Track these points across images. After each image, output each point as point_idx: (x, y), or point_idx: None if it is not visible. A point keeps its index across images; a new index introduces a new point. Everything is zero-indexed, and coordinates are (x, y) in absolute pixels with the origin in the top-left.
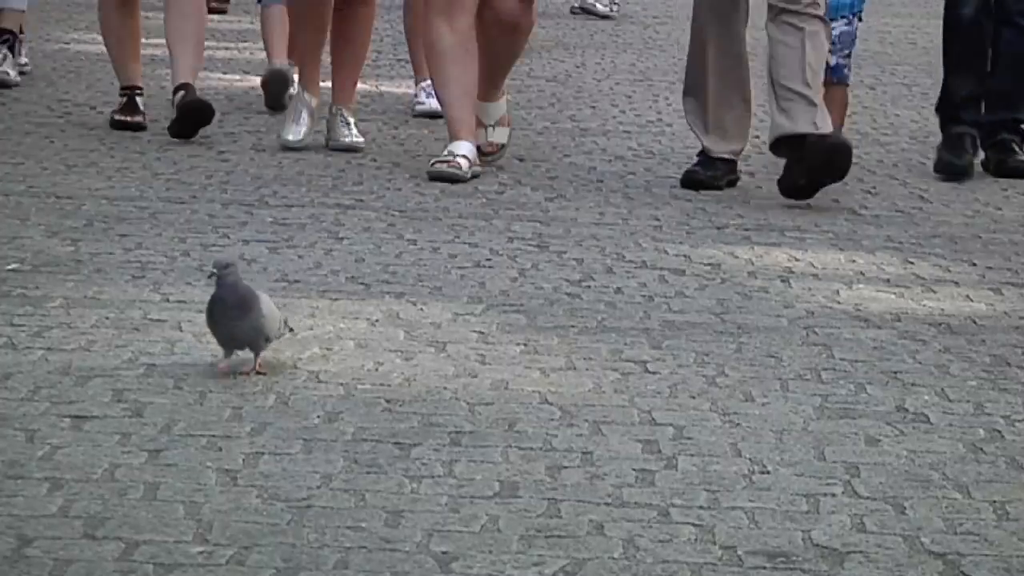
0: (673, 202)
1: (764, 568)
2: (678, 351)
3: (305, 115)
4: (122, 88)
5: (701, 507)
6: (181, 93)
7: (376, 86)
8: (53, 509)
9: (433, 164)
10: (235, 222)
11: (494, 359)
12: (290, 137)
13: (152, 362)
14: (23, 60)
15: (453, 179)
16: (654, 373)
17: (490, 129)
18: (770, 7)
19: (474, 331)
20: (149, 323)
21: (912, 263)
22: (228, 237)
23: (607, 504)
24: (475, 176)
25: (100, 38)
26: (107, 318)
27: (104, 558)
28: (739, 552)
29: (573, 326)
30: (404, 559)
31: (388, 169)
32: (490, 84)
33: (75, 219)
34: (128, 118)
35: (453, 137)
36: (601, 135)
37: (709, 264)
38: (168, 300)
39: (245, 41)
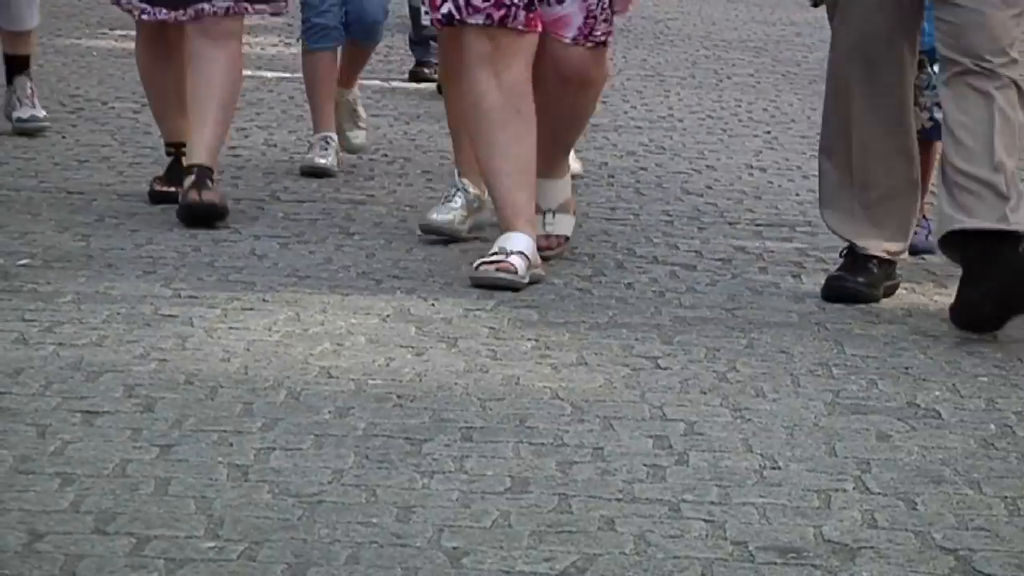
0: (685, 197)
1: (775, 564)
2: (689, 347)
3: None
4: (167, 145)
5: (712, 503)
6: (191, 178)
7: (387, 81)
8: (64, 504)
9: (479, 266)
10: (246, 217)
11: (505, 355)
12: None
13: (163, 357)
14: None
15: (507, 286)
16: (665, 369)
17: (548, 216)
18: (948, 62)
19: (485, 327)
20: (160, 318)
21: (924, 258)
22: (239, 232)
23: (618, 500)
24: (536, 281)
25: (111, 32)
26: (118, 313)
27: (115, 553)
28: (750, 548)
29: (584, 322)
30: (415, 554)
31: (399, 164)
32: (551, 155)
33: (86, 215)
34: (167, 188)
35: (505, 227)
36: (612, 130)
37: (720, 259)
38: (179, 295)
39: (256, 36)
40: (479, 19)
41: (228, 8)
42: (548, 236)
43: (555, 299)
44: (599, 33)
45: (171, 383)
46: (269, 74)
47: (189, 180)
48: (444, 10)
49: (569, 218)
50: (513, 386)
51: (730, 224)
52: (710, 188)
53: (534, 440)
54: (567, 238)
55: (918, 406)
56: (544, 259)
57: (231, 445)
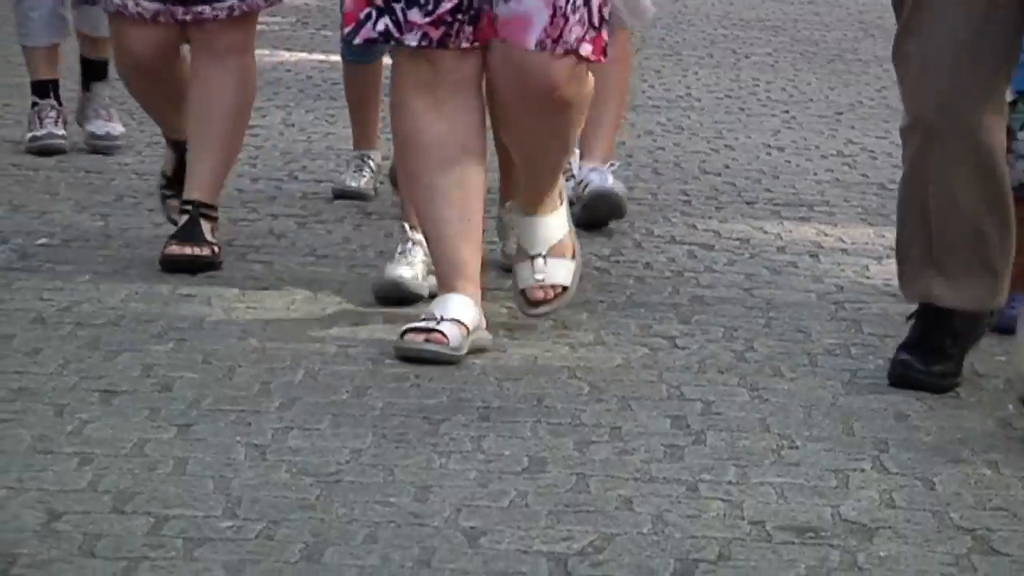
0: (702, 177)
1: (793, 543)
2: (707, 326)
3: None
4: (168, 142)
5: (730, 482)
6: (183, 219)
7: None
8: (82, 483)
9: (404, 334)
10: (264, 196)
11: (523, 334)
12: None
13: (181, 337)
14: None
15: (436, 360)
16: (683, 348)
17: (539, 261)
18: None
19: (503, 306)
20: (178, 298)
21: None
22: (257, 212)
23: (636, 479)
24: (480, 349)
25: None
26: (136, 293)
27: (133, 532)
28: (768, 527)
29: (602, 301)
30: (433, 534)
31: None
32: (531, 186)
33: (105, 194)
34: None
35: (442, 287)
36: (630, 110)
37: (738, 239)
38: (196, 274)
39: (274, 16)
40: (413, 39)
41: (231, 8)
42: (542, 286)
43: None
44: (572, 38)
45: (189, 362)
46: (287, 54)
47: (184, 218)
48: (380, 27)
49: (566, 263)
50: (531, 366)
51: (748, 204)
52: (728, 168)
53: (552, 420)
54: (564, 288)
55: None
56: (537, 313)
57: (249, 425)
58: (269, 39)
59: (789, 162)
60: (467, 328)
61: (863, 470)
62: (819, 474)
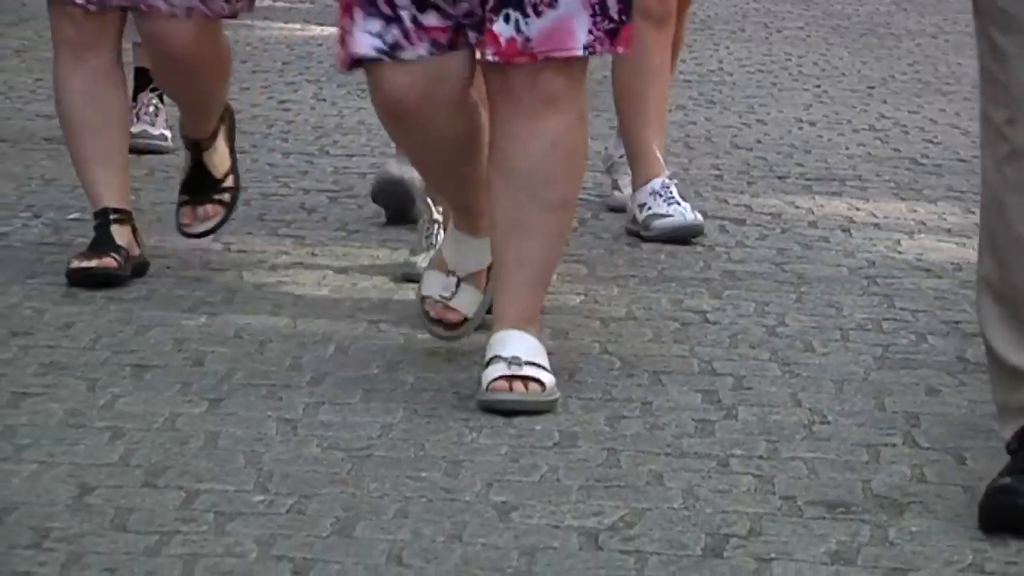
0: (734, 152)
1: (824, 518)
2: (738, 301)
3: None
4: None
5: (761, 457)
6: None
7: None
8: (114, 457)
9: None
10: (295, 171)
11: (554, 309)
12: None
13: (212, 311)
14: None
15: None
16: (714, 323)
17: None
18: None
19: None
20: (209, 272)
21: (973, 212)
22: (288, 187)
23: (667, 454)
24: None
25: None
26: (168, 267)
27: (165, 506)
28: (798, 502)
29: (633, 276)
30: (464, 508)
31: None
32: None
33: (136, 168)
34: (85, 264)
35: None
36: None
37: (770, 214)
38: (229, 249)
39: None
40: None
41: (190, 8)
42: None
43: (604, 253)
44: (615, 26)
45: (220, 337)
46: (318, 28)
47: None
48: (389, 39)
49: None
50: (562, 340)
51: (780, 178)
52: (759, 142)
53: (583, 394)
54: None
55: (968, 361)
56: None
57: (280, 399)
58: (301, 13)
59: (821, 136)
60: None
61: (894, 445)
62: (850, 449)
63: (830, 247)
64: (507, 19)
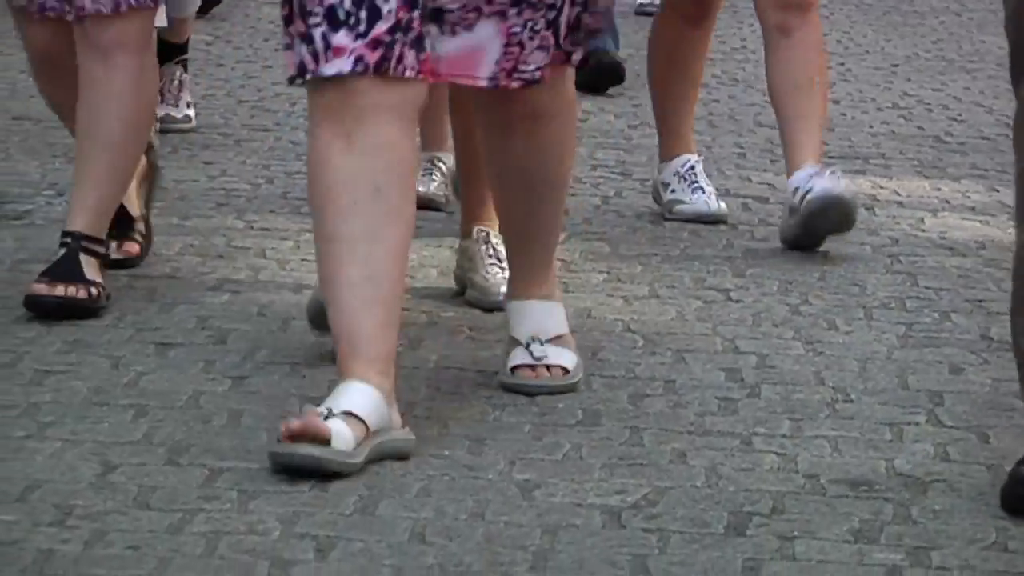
0: (757, 130)
1: (847, 497)
2: (761, 279)
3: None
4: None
5: (784, 436)
6: (63, 251)
7: None
8: (138, 435)
9: (292, 434)
10: None
11: (577, 287)
12: None
13: (236, 289)
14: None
15: (315, 469)
16: (737, 301)
17: (535, 345)
18: None
19: (557, 259)
20: (233, 250)
21: (997, 191)
22: None
23: (690, 432)
24: (396, 457)
25: None
26: (191, 245)
27: (188, 484)
28: (822, 481)
29: (656, 254)
30: (487, 486)
31: None
32: (521, 252)
33: (160, 146)
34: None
35: (340, 371)
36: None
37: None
38: (252, 227)
39: None
40: (346, 66)
41: (118, 4)
42: (537, 364)
43: (627, 231)
44: (531, 67)
45: (244, 315)
46: None
47: (61, 252)
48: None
49: (569, 352)
50: (585, 319)
51: None
52: None
53: (606, 372)
54: (565, 370)
55: (991, 339)
56: (529, 393)
57: (303, 377)
58: None
59: (844, 115)
60: (365, 425)
61: (918, 423)
62: (873, 427)
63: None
64: (428, 33)
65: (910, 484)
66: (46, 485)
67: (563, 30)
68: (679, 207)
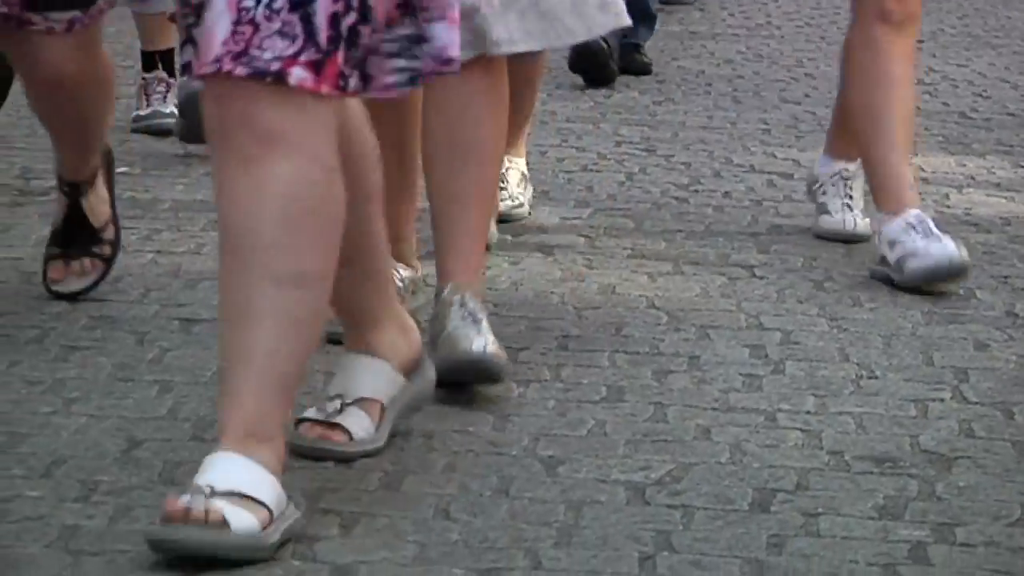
0: (782, 106)
1: (871, 473)
2: (786, 255)
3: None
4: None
5: (808, 412)
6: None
7: None
8: (163, 411)
9: (300, 422)
10: None
11: (601, 263)
12: None
13: None
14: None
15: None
16: (761, 278)
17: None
18: None
19: (581, 235)
20: None
21: (1023, 166)
22: None
23: (714, 409)
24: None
25: None
26: (215, 221)
27: None
28: (846, 457)
29: (680, 230)
30: (511, 463)
31: None
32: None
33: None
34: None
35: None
36: (710, 38)
37: None
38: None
39: None
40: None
41: (71, 22)
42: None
43: (651, 207)
44: (267, 55)
45: None
46: None
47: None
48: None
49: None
50: (609, 295)
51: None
52: (808, 96)
53: (630, 349)
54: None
55: (1016, 315)
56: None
57: (327, 353)
58: None
59: None
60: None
61: (942, 400)
62: (898, 404)
63: None
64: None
65: (935, 460)
66: (71, 461)
67: (323, 27)
68: (914, 263)
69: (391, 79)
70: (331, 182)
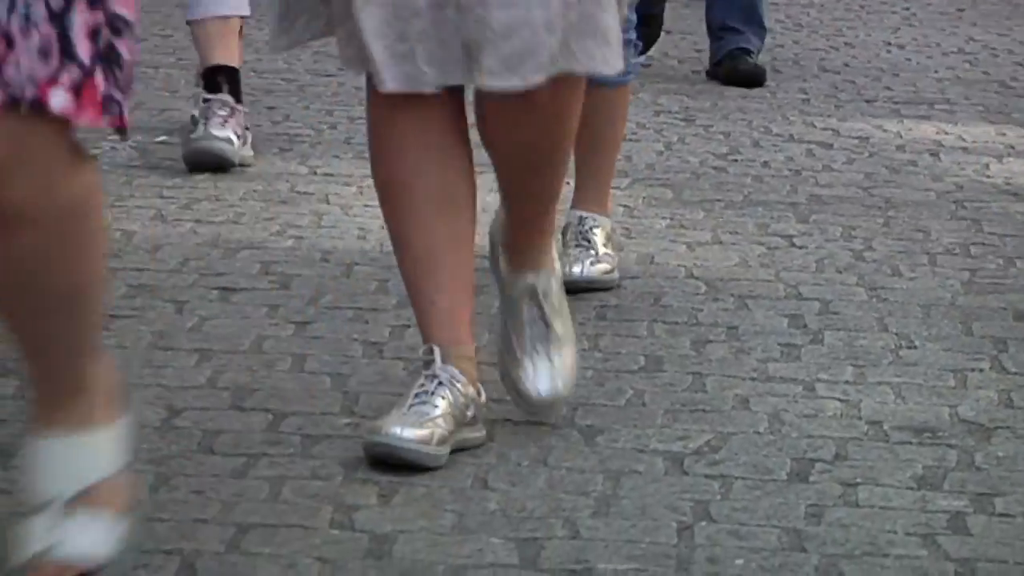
0: (821, 75)
1: (910, 443)
2: (825, 225)
3: None
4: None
5: (847, 382)
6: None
7: None
8: (202, 380)
9: None
10: None
11: (640, 233)
12: None
13: (299, 235)
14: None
15: None
16: (801, 247)
17: (54, 513)
18: None
19: (620, 205)
20: (296, 195)
21: None
22: None
23: (752, 379)
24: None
25: None
26: (255, 191)
27: (252, 429)
28: (885, 427)
29: (719, 200)
30: (549, 432)
31: None
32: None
33: None
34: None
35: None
36: None
37: (857, 137)
38: (315, 173)
39: None
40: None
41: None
42: (49, 561)
43: (690, 177)
44: (22, 75)
45: (307, 260)
46: None
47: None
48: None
49: (105, 523)
50: (648, 265)
51: (867, 102)
52: (847, 65)
53: (668, 319)
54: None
55: None
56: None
57: (366, 322)
58: None
59: (909, 60)
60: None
61: (981, 370)
62: (937, 374)
63: (918, 171)
64: None
65: (974, 431)
66: None
67: (82, 41)
68: None
69: None
70: None
